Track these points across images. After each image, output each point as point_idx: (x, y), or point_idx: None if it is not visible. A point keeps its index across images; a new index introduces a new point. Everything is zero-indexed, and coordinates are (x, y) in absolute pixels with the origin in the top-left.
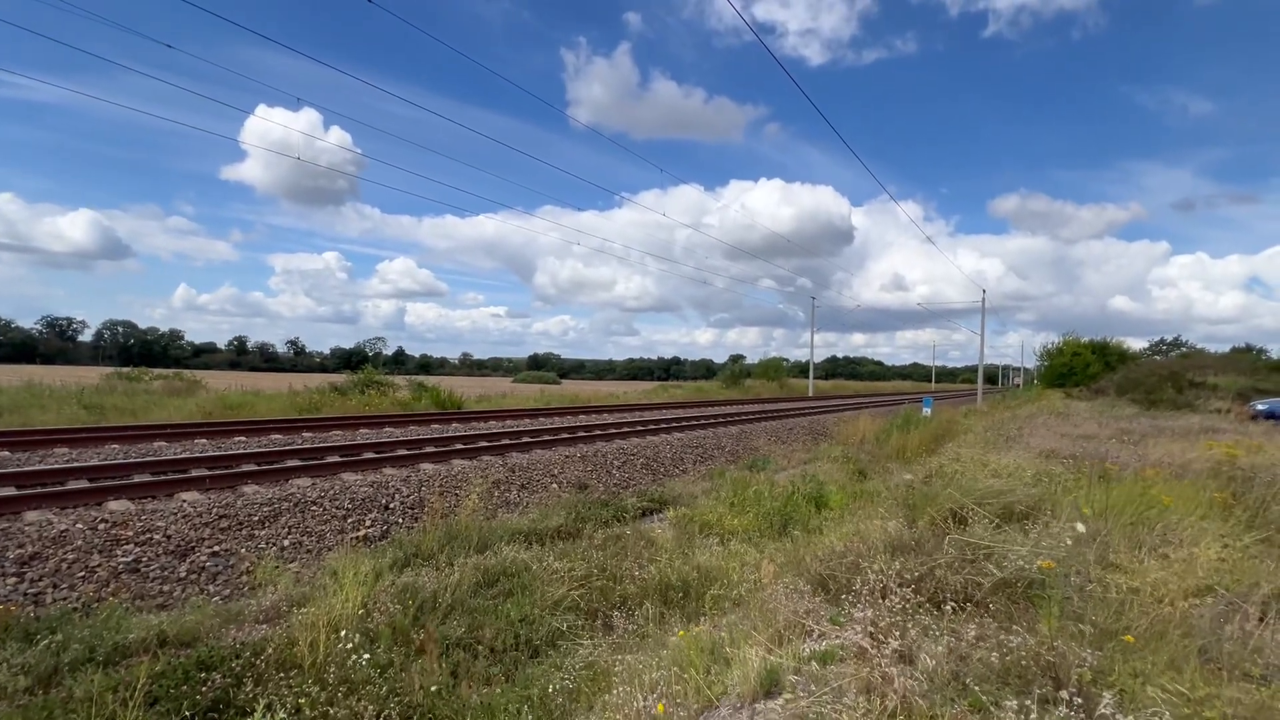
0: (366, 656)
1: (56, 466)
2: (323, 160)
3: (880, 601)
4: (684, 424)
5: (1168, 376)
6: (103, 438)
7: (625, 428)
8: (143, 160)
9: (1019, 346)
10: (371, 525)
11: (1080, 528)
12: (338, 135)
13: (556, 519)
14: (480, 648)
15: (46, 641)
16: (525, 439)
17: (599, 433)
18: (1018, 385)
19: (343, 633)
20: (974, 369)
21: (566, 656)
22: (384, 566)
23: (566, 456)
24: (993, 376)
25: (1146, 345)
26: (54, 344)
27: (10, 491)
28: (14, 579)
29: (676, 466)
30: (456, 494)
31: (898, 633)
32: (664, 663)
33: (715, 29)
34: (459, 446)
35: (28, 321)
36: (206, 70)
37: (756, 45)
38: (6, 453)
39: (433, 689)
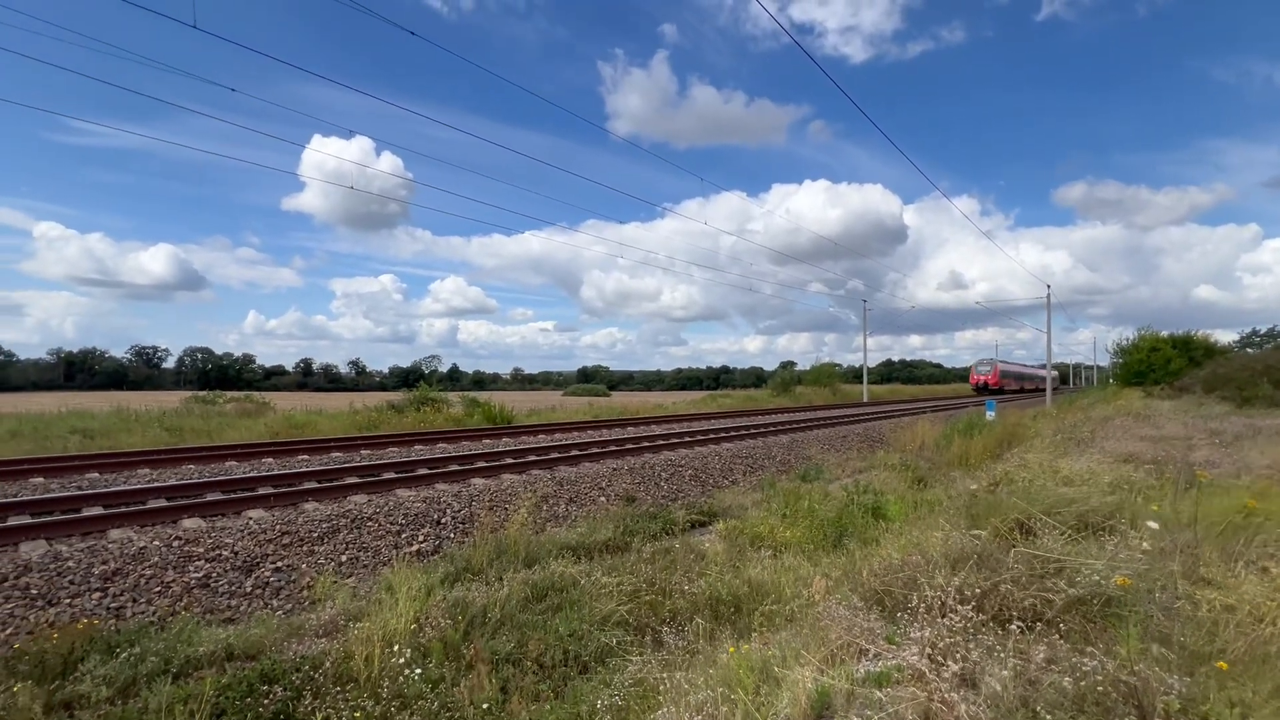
0: (419, 671)
1: (138, 487)
2: (375, 186)
3: (939, 620)
4: (733, 434)
5: (1263, 371)
6: (180, 458)
7: (673, 439)
8: (212, 196)
9: (1091, 343)
10: (424, 540)
11: (1164, 535)
12: (389, 161)
13: (604, 532)
14: (529, 663)
15: (126, 654)
16: (574, 452)
17: (647, 444)
18: (1058, 386)
19: (396, 647)
20: (1041, 368)
21: (615, 673)
22: (435, 581)
23: (614, 469)
24: (1063, 376)
25: (1237, 338)
26: (141, 371)
27: (98, 511)
28: (98, 594)
29: (726, 477)
30: (506, 508)
31: (959, 654)
32: (712, 681)
33: (752, 33)
34: (509, 461)
35: (119, 351)
36: (265, 109)
37: (796, 46)
38: (96, 474)
39: (483, 705)
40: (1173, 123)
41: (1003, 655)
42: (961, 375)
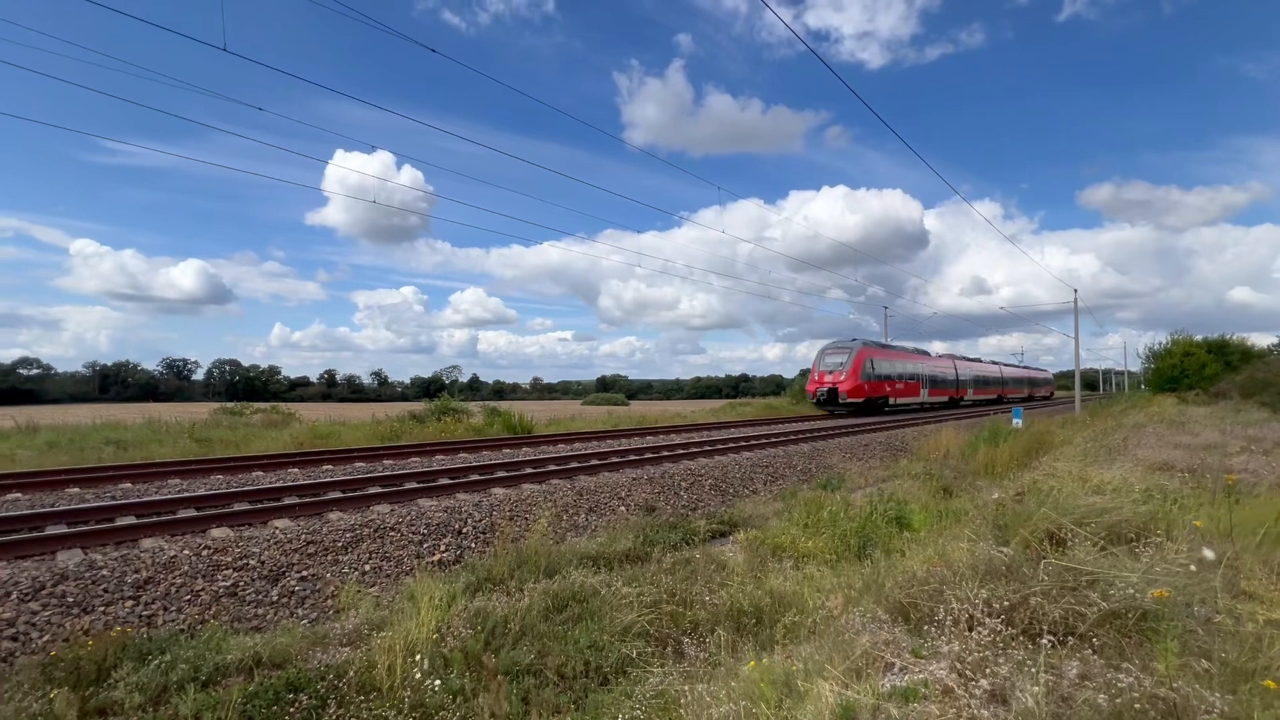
0: (439, 682)
1: (169, 497)
2: (396, 200)
3: (967, 634)
4: (753, 443)
5: None
6: (209, 469)
7: (693, 448)
8: (239, 212)
9: (1121, 348)
10: (445, 550)
11: (1207, 552)
12: (409, 174)
13: (624, 542)
14: (550, 674)
15: (157, 661)
16: (593, 461)
17: (666, 454)
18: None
19: (418, 657)
20: (1069, 375)
21: (636, 685)
22: (457, 591)
23: (634, 479)
24: (1092, 382)
25: (1276, 341)
26: (172, 383)
27: (130, 520)
28: (131, 602)
29: (746, 487)
30: (526, 518)
31: (988, 669)
32: (734, 694)
33: (767, 41)
34: (529, 471)
35: (150, 364)
36: (290, 126)
37: (811, 53)
38: (129, 484)
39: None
40: (1202, 121)
41: (1034, 670)
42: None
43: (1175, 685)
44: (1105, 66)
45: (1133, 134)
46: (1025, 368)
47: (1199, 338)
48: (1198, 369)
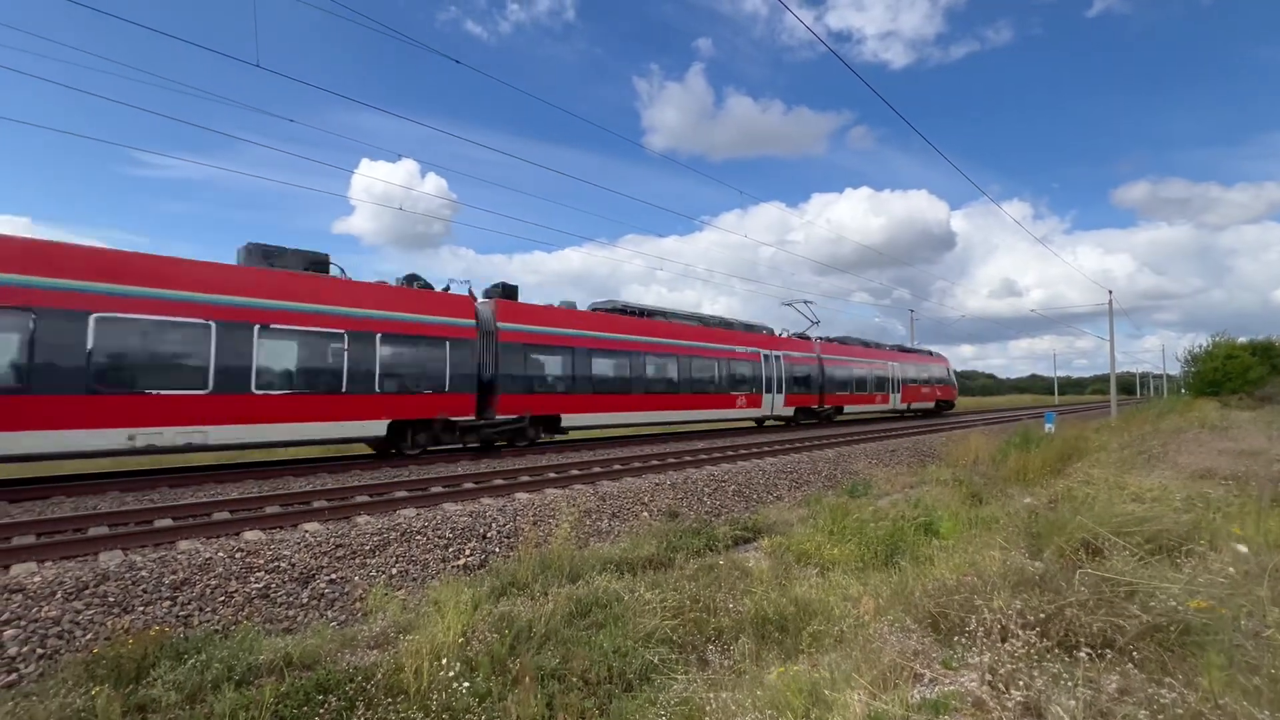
0: (466, 685)
1: (205, 500)
2: (420, 207)
3: (999, 645)
4: (777, 448)
5: None
6: (242, 474)
7: (716, 453)
8: (269, 221)
9: (1159, 351)
10: (470, 554)
11: (1249, 557)
12: (434, 182)
13: (647, 548)
14: (574, 679)
15: (193, 661)
16: (616, 466)
17: (689, 459)
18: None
19: (444, 660)
20: (1104, 378)
21: (660, 691)
22: (482, 596)
23: (657, 484)
24: (1129, 386)
25: None
26: None
27: (168, 523)
28: (168, 602)
29: (770, 493)
30: (549, 523)
31: (1022, 681)
32: (760, 703)
33: (788, 44)
34: (551, 475)
35: None
36: (318, 136)
37: (833, 54)
38: (167, 488)
39: None
40: (1243, 116)
41: (1071, 684)
42: (1016, 386)
43: (1221, 701)
44: (1139, 61)
45: (1169, 130)
46: (867, 345)
47: (1242, 339)
48: (1241, 372)
